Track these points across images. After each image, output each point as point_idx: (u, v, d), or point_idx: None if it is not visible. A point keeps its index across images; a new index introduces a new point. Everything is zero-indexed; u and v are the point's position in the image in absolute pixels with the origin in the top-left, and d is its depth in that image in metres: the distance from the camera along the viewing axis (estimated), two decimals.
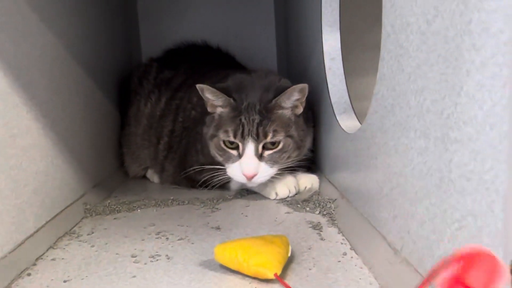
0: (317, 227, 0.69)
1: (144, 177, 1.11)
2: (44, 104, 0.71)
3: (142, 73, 1.13)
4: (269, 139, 0.80)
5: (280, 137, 0.81)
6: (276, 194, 0.84)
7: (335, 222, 0.71)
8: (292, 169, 0.86)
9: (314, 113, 0.94)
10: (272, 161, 0.81)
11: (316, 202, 0.79)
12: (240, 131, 0.80)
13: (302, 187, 0.87)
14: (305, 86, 0.81)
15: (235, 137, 0.80)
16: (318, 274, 0.53)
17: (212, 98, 0.83)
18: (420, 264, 0.44)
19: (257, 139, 0.79)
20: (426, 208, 0.42)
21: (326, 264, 0.56)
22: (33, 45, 0.69)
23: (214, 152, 0.84)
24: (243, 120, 0.80)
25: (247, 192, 0.90)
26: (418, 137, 0.43)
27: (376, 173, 0.56)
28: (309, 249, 0.61)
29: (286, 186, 0.84)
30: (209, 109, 0.86)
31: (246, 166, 0.79)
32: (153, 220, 0.76)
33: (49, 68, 0.74)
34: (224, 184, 0.91)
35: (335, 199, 0.76)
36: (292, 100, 0.82)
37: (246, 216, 0.77)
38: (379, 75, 0.53)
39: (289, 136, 0.82)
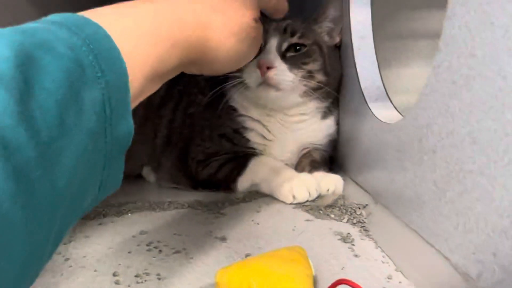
0: (347, 239, 0.55)
1: (140, 176, 0.98)
2: None
3: None
4: (295, 39, 0.73)
5: (308, 41, 0.74)
6: (294, 197, 0.70)
7: (369, 233, 0.57)
8: (313, 162, 0.76)
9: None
10: (293, 64, 0.72)
11: (342, 208, 0.65)
12: (265, 29, 0.72)
13: (323, 190, 0.73)
14: None
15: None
16: None
17: None
18: None
19: (283, 34, 0.73)
20: None
21: None
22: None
23: None
24: (269, 23, 0.74)
25: (258, 195, 0.76)
26: None
27: (433, 172, 0.42)
28: (342, 269, 0.47)
29: (305, 188, 0.70)
30: None
31: (263, 55, 0.71)
32: (145, 227, 0.63)
33: None
34: (230, 184, 0.78)
35: (366, 205, 0.63)
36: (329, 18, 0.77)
37: (257, 224, 0.63)
38: (444, 39, 0.40)
39: (317, 44, 0.75)
